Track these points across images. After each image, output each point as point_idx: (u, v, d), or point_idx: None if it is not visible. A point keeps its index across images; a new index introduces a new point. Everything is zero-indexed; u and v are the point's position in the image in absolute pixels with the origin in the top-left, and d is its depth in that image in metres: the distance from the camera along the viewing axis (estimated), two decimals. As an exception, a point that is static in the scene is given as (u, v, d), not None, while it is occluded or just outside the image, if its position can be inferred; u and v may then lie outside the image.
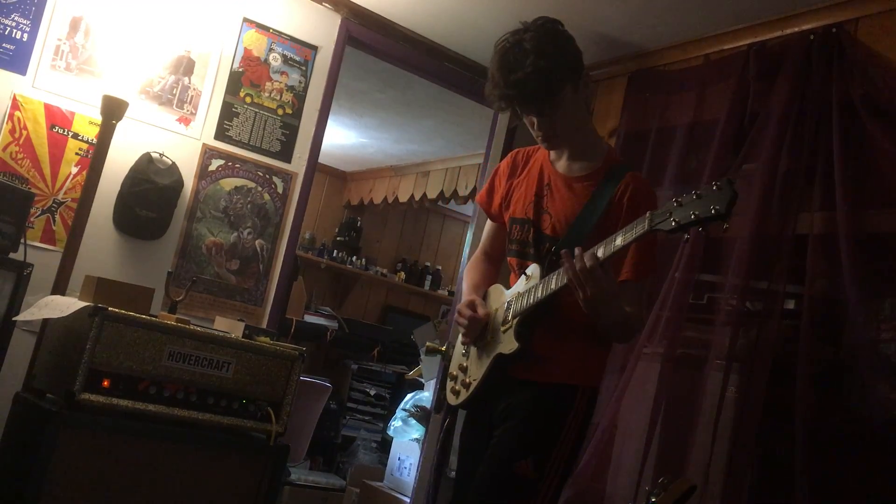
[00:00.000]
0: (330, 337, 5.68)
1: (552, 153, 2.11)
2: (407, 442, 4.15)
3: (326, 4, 3.47)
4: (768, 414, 2.42)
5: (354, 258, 6.38)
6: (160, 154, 3.11)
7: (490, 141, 3.86)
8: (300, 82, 3.43)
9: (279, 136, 3.38)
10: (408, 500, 3.83)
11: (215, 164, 3.25)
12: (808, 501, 2.24)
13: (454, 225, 7.08)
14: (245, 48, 3.31)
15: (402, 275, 6.62)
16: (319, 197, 6.47)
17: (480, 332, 2.06)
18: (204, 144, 3.22)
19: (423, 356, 4.18)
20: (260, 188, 3.34)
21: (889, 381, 2.25)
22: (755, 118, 2.69)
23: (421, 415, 4.14)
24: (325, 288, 6.40)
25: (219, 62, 3.25)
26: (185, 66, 3.18)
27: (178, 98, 3.17)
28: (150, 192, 3.06)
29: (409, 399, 4.28)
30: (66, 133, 2.96)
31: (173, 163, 3.13)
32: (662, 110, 3.15)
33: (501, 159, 2.30)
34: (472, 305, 2.07)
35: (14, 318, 2.39)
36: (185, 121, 3.18)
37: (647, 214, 1.67)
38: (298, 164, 3.43)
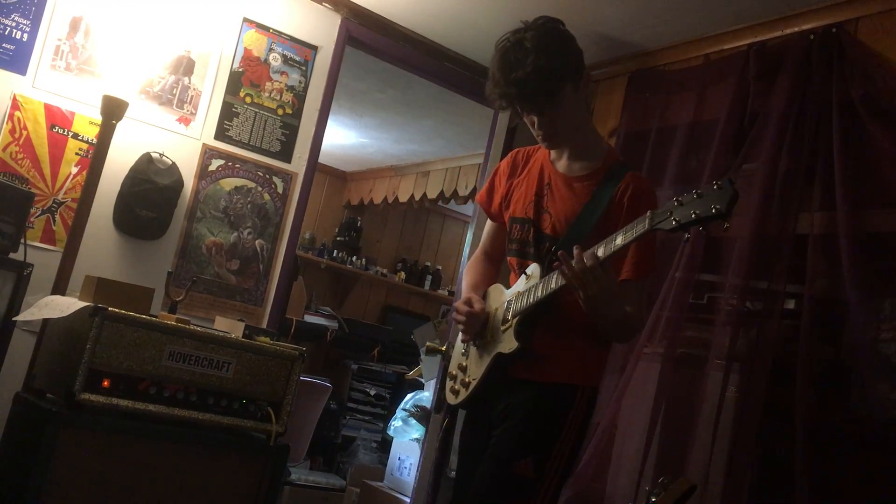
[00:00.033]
0: (330, 337, 5.68)
1: (552, 153, 2.11)
2: (407, 442, 4.15)
3: (326, 4, 3.47)
4: (768, 414, 2.42)
5: (354, 258, 6.38)
6: (160, 154, 3.11)
7: (490, 141, 3.86)
8: (300, 82, 3.43)
9: (279, 136, 3.38)
10: (408, 500, 3.83)
11: (215, 164, 3.25)
12: (808, 501, 2.24)
13: (454, 225, 7.08)
14: (245, 48, 3.31)
15: (402, 275, 6.62)
16: (319, 197, 6.47)
17: (480, 331, 2.06)
18: (204, 144, 3.22)
19: (423, 356, 4.18)
20: (260, 188, 3.34)
21: (889, 381, 2.25)
22: (755, 118, 2.69)
23: (421, 415, 4.14)
24: (325, 288, 6.40)
25: (219, 62, 3.25)
26: (185, 66, 3.18)
27: (178, 98, 3.17)
28: (150, 192, 3.06)
29: (410, 399, 4.29)
30: (66, 133, 2.96)
31: (173, 163, 3.13)
32: (662, 110, 3.15)
33: (501, 159, 2.30)
34: (468, 302, 2.07)
35: (14, 318, 2.39)
36: (185, 121, 3.18)
37: (648, 213, 1.67)
38: (298, 164, 3.43)
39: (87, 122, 2.98)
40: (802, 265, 2.45)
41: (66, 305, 2.27)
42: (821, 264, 2.44)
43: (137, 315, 2.25)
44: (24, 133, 2.88)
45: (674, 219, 1.61)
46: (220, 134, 3.26)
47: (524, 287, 1.97)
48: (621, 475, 2.75)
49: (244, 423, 2.40)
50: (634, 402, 2.76)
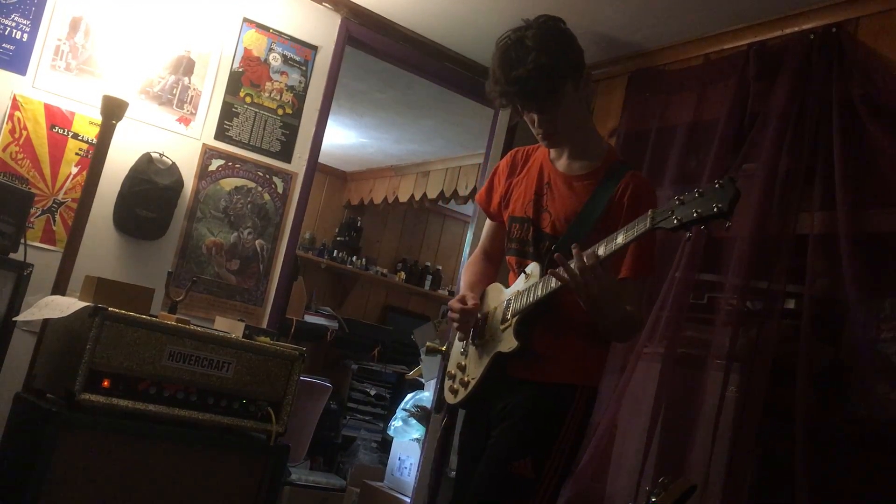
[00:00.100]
0: (330, 337, 5.68)
1: (552, 152, 2.11)
2: (407, 442, 4.15)
3: (326, 4, 3.47)
4: (768, 414, 2.42)
5: (354, 258, 6.37)
6: (160, 154, 3.11)
7: (490, 141, 3.86)
8: (300, 82, 3.43)
9: (279, 136, 3.38)
10: (408, 500, 3.83)
11: (215, 164, 3.25)
12: (808, 501, 2.24)
13: (454, 225, 7.08)
14: (245, 48, 3.31)
15: (403, 275, 6.62)
16: (319, 197, 6.47)
17: (479, 330, 2.06)
18: (204, 144, 3.22)
19: (423, 356, 4.18)
20: (260, 188, 3.34)
21: (889, 381, 2.25)
22: (755, 118, 2.70)
23: (421, 415, 4.14)
24: (325, 288, 6.40)
25: (219, 62, 3.25)
26: (185, 66, 3.18)
27: (178, 98, 3.17)
28: (150, 192, 3.06)
29: (410, 399, 4.29)
30: (66, 133, 2.96)
31: (173, 163, 3.13)
32: (662, 110, 3.15)
33: (501, 159, 2.30)
34: (462, 300, 2.07)
35: (14, 319, 2.39)
36: (185, 121, 3.18)
37: (650, 212, 1.67)
38: (298, 164, 3.43)
39: (87, 122, 2.98)
40: (802, 265, 2.45)
41: (66, 305, 2.27)
42: (821, 264, 2.44)
43: (137, 315, 2.25)
44: (24, 133, 2.88)
45: (675, 218, 1.61)
46: (220, 134, 3.26)
47: (524, 286, 1.97)
48: (621, 475, 2.75)
49: (244, 423, 2.40)
50: (634, 401, 2.75)
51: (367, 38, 3.59)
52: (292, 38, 3.41)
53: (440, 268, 6.86)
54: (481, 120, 4.14)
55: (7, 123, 2.85)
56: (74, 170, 2.96)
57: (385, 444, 5.26)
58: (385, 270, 6.58)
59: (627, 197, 1.95)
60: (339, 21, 3.50)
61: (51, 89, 2.92)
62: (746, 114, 2.76)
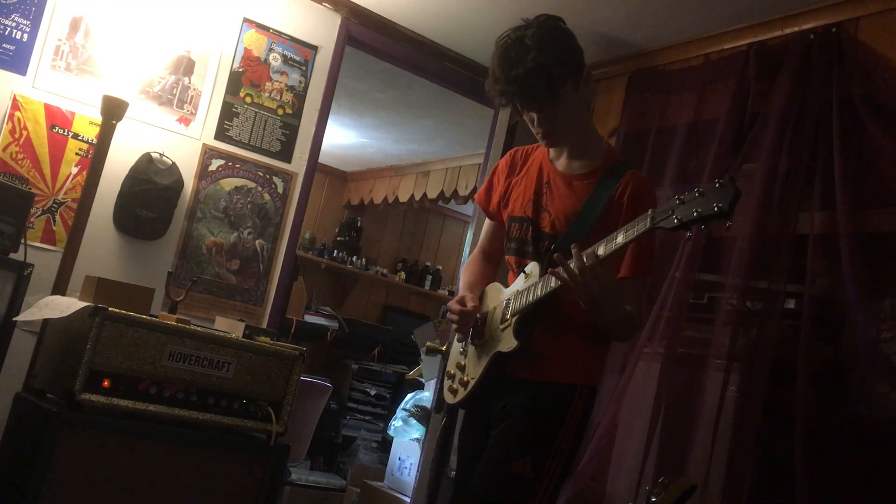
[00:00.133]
0: (330, 337, 5.68)
1: (552, 151, 2.11)
2: (407, 442, 4.15)
3: (326, 4, 3.47)
4: (768, 414, 2.42)
5: (354, 258, 6.38)
6: (160, 154, 3.11)
7: (490, 141, 3.86)
8: (300, 82, 3.43)
9: (279, 136, 3.38)
10: (408, 499, 3.83)
11: (215, 164, 3.25)
12: (808, 501, 2.24)
13: (454, 225, 7.08)
14: (245, 48, 3.31)
15: (403, 275, 6.62)
16: (319, 197, 6.47)
17: (479, 329, 2.06)
18: (204, 144, 3.22)
19: (423, 356, 4.18)
20: (260, 188, 3.34)
21: (889, 381, 2.25)
22: (755, 118, 2.70)
23: (421, 415, 4.14)
24: (325, 288, 6.40)
25: (219, 62, 3.25)
26: (185, 66, 3.18)
27: (178, 98, 3.17)
28: (150, 192, 3.06)
29: (410, 399, 4.29)
30: (66, 133, 2.96)
31: (173, 163, 3.13)
32: (662, 110, 3.15)
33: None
34: (462, 301, 2.06)
35: (14, 319, 2.39)
36: (185, 121, 3.19)
37: (650, 212, 1.66)
38: (298, 164, 3.43)
39: (87, 123, 2.98)
40: (802, 265, 2.45)
41: (67, 305, 2.27)
42: (821, 264, 2.44)
43: (138, 315, 2.25)
44: (25, 133, 2.88)
45: (675, 217, 1.61)
46: (221, 134, 3.26)
47: (523, 286, 1.96)
48: (622, 475, 2.75)
49: (244, 423, 2.40)
50: (634, 401, 2.76)
51: (367, 38, 3.59)
52: (292, 38, 3.41)
53: (440, 268, 6.86)
54: (481, 120, 4.14)
55: (7, 123, 2.85)
56: (74, 170, 2.96)
57: (385, 444, 5.26)
58: (385, 270, 6.58)
59: (627, 196, 1.95)
60: (339, 21, 3.50)
61: (51, 89, 2.92)
62: (746, 114, 2.76)
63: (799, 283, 2.47)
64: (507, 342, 1.94)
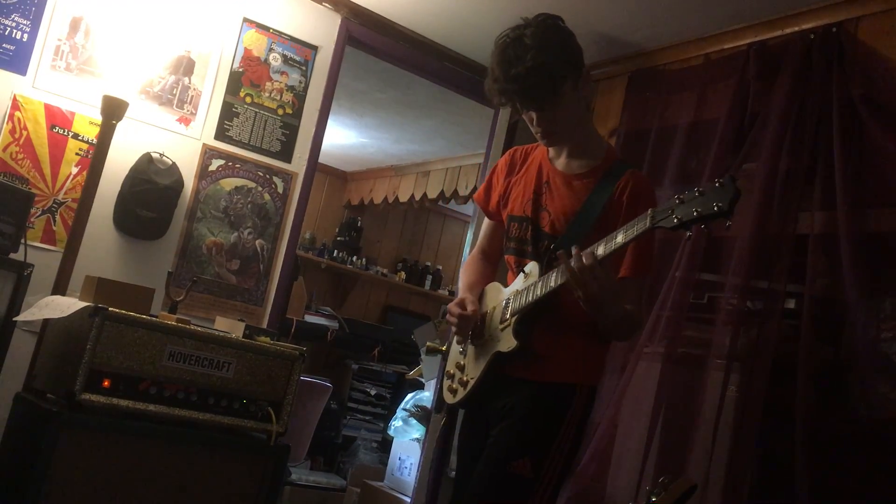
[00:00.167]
0: (330, 337, 5.68)
1: (551, 151, 2.11)
2: (407, 442, 4.15)
3: (326, 4, 3.47)
4: (768, 414, 2.42)
5: (355, 258, 6.38)
6: (160, 154, 3.11)
7: (490, 140, 3.87)
8: (300, 82, 3.43)
9: (279, 136, 3.38)
10: (408, 499, 3.84)
11: (215, 164, 3.25)
12: (808, 501, 2.24)
13: (454, 225, 7.08)
14: (245, 48, 3.31)
15: (403, 275, 6.62)
16: (320, 197, 6.48)
17: (478, 330, 2.06)
18: (204, 144, 3.22)
19: (423, 356, 4.18)
20: (260, 188, 3.34)
21: (889, 381, 2.25)
22: (755, 118, 2.70)
23: (421, 415, 4.14)
24: (325, 288, 6.40)
25: (219, 62, 3.25)
26: (185, 66, 3.18)
27: (179, 98, 3.17)
28: (150, 192, 3.06)
29: (410, 399, 4.29)
30: (66, 133, 2.96)
31: (173, 163, 3.13)
32: (663, 110, 3.15)
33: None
34: (461, 304, 2.06)
35: (14, 319, 2.39)
36: (186, 121, 3.19)
37: (649, 211, 1.66)
38: (298, 164, 3.43)
39: (87, 123, 2.98)
40: (803, 265, 2.45)
41: (67, 305, 2.27)
42: (821, 264, 2.44)
43: (138, 315, 2.25)
44: (25, 133, 2.88)
45: (675, 217, 1.61)
46: (221, 134, 3.26)
47: (522, 285, 1.96)
48: (622, 474, 2.75)
49: (245, 423, 2.40)
50: (635, 401, 2.76)
51: (367, 38, 3.59)
52: (292, 38, 3.41)
53: (440, 268, 6.86)
54: (481, 120, 4.14)
55: (7, 123, 2.85)
56: (74, 170, 2.97)
57: (385, 444, 5.26)
58: (385, 270, 6.58)
59: (627, 195, 1.95)
60: (339, 21, 3.50)
61: (51, 89, 2.92)
62: (746, 113, 2.76)
63: (799, 282, 2.47)
64: (507, 342, 1.94)
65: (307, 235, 6.24)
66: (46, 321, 2.48)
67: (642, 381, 2.74)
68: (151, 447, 2.24)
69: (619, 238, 1.72)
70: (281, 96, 3.38)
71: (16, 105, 2.86)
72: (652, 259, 2.01)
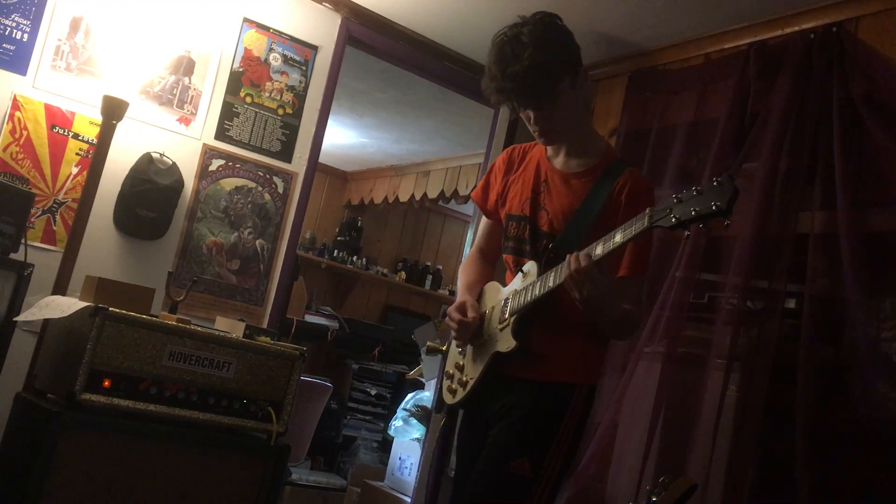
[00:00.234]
0: (331, 337, 5.68)
1: (549, 149, 2.10)
2: (408, 442, 4.15)
3: (326, 4, 3.47)
4: (768, 414, 2.42)
5: (355, 258, 6.38)
6: (160, 154, 3.11)
7: (490, 140, 3.86)
8: (300, 82, 3.43)
9: (279, 136, 3.38)
10: (409, 499, 3.84)
11: (216, 164, 3.25)
12: (808, 501, 2.24)
13: (454, 225, 7.07)
14: (245, 48, 3.31)
15: (403, 274, 6.62)
16: (320, 197, 6.48)
17: (476, 331, 2.05)
18: (204, 144, 3.22)
19: (423, 356, 4.18)
20: (260, 188, 3.34)
21: (889, 381, 2.25)
22: (755, 117, 2.69)
23: (422, 414, 4.14)
24: (325, 288, 6.40)
25: (219, 62, 3.25)
26: (186, 66, 3.18)
27: (179, 98, 3.17)
28: (150, 192, 3.06)
29: (410, 399, 4.29)
30: (66, 133, 2.96)
31: (174, 163, 3.13)
32: (663, 110, 3.15)
33: (498, 156, 2.30)
34: (461, 309, 2.05)
35: (15, 319, 2.39)
36: (186, 121, 3.19)
37: (647, 211, 1.66)
38: (299, 164, 3.43)
39: (87, 123, 2.98)
40: (803, 264, 2.45)
41: (67, 305, 2.28)
42: (821, 264, 2.44)
43: (138, 315, 2.25)
44: (25, 133, 2.88)
45: (673, 216, 1.61)
46: (221, 134, 3.26)
47: (521, 285, 1.96)
48: (622, 474, 2.75)
49: (245, 423, 2.40)
50: (635, 401, 2.75)
51: (367, 37, 3.59)
52: (292, 38, 3.41)
53: (441, 267, 6.86)
54: (481, 119, 4.14)
55: (7, 123, 2.85)
56: (75, 170, 2.97)
57: (385, 444, 5.26)
58: (385, 270, 6.58)
59: (625, 194, 1.94)
60: (339, 21, 3.50)
61: (51, 89, 2.92)
62: (747, 113, 2.76)
63: (799, 282, 2.47)
64: (506, 342, 1.94)
65: (307, 235, 6.24)
66: (47, 321, 2.48)
67: (642, 381, 2.74)
68: (152, 447, 2.24)
69: (618, 237, 1.71)
70: (281, 96, 3.38)
71: (16, 105, 2.87)
72: (649, 258, 2.01)
